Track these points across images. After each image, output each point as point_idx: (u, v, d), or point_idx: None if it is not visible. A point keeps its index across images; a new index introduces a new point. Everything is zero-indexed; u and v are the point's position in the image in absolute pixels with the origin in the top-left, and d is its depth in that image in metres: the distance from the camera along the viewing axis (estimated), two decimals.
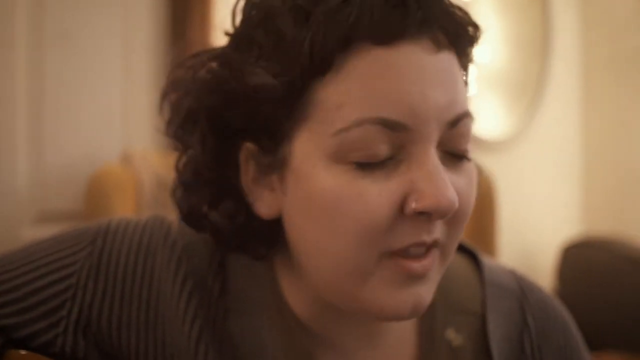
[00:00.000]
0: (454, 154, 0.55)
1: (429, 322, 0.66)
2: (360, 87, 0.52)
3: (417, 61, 0.52)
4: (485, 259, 0.72)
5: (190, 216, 0.62)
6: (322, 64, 0.52)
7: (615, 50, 2.83)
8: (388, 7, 0.52)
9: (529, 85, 2.68)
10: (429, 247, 0.55)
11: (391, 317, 0.56)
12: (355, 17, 0.51)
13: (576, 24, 2.92)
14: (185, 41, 1.67)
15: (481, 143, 2.42)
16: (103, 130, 1.61)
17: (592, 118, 2.92)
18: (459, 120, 0.54)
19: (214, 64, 0.59)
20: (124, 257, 0.63)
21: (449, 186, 0.52)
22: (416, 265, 0.54)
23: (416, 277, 0.54)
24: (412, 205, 0.52)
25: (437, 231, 0.54)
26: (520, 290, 0.70)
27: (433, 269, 0.55)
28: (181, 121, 0.60)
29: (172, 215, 0.66)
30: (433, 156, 0.53)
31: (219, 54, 0.59)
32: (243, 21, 0.58)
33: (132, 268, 0.62)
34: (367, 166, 0.52)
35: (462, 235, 0.58)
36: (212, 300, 0.62)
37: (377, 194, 0.52)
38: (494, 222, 1.78)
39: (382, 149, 0.52)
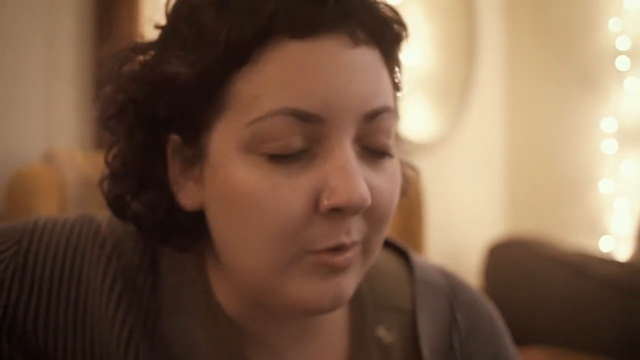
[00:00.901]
0: (374, 150, 0.55)
1: (360, 320, 0.66)
2: (275, 79, 0.52)
3: (333, 55, 0.53)
4: (416, 257, 0.73)
5: (115, 205, 0.61)
6: (239, 55, 0.53)
7: (540, 54, 2.90)
8: (306, 1, 0.52)
9: (456, 87, 2.71)
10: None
11: (312, 309, 0.56)
12: (273, 10, 0.52)
13: (502, 28, 2.98)
14: (112, 38, 1.64)
15: (409, 145, 2.45)
16: (25, 129, 1.56)
17: (516, 121, 2.98)
18: (377, 114, 0.54)
19: (140, 57, 0.59)
20: (51, 257, 0.61)
21: (361, 182, 0.52)
22: (338, 259, 0.54)
23: (337, 270, 0.54)
24: (325, 202, 0.52)
25: (356, 233, 0.55)
26: (450, 287, 0.71)
27: (355, 262, 0.56)
28: (111, 114, 0.60)
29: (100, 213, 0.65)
30: (347, 150, 0.53)
31: (146, 47, 0.59)
32: (171, 15, 0.58)
33: (60, 268, 0.61)
34: (281, 159, 0.53)
35: (386, 233, 0.59)
36: (143, 299, 0.61)
37: (290, 190, 0.52)
38: (422, 223, 1.80)
39: (296, 141, 0.52)
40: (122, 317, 0.59)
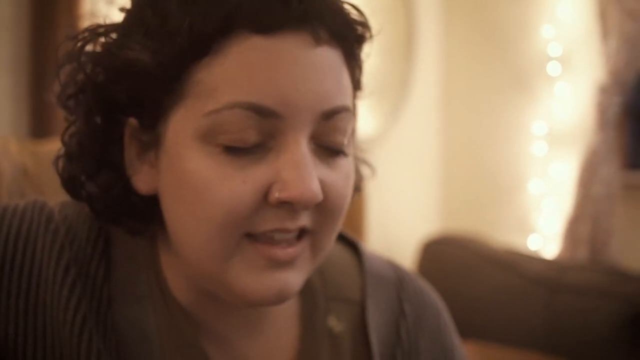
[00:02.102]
0: (329, 148, 0.56)
1: (311, 310, 0.67)
2: (235, 72, 0.53)
3: (294, 53, 0.53)
4: (366, 250, 0.74)
5: (69, 184, 0.61)
6: (200, 46, 0.53)
7: (476, 57, 2.96)
8: None
9: (393, 87, 2.74)
10: (299, 236, 0.56)
11: (256, 301, 0.56)
12: (238, 4, 0.53)
13: (439, 30, 3.03)
14: (50, 23, 1.60)
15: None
16: None
17: (451, 121, 3.03)
18: (335, 114, 0.55)
19: (102, 39, 0.59)
20: (2, 245, 0.60)
21: (314, 178, 0.53)
22: (279, 253, 0.55)
23: (281, 264, 0.55)
24: (276, 194, 0.53)
25: (303, 219, 0.55)
26: (398, 279, 0.73)
27: (302, 257, 0.57)
28: (70, 93, 0.60)
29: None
30: (302, 146, 0.54)
31: (109, 30, 0.59)
32: (135, 0, 0.58)
33: (11, 256, 0.60)
34: (235, 151, 0.53)
35: (337, 230, 0.59)
36: (95, 287, 0.60)
37: (241, 181, 0.53)
38: (363, 220, 1.83)
39: (251, 135, 0.53)
40: (75, 304, 0.59)
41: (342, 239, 0.74)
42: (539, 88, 2.76)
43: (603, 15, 2.47)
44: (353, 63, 0.59)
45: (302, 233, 0.56)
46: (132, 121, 0.58)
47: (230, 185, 0.53)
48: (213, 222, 0.54)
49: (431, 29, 2.97)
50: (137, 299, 0.61)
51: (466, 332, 2.26)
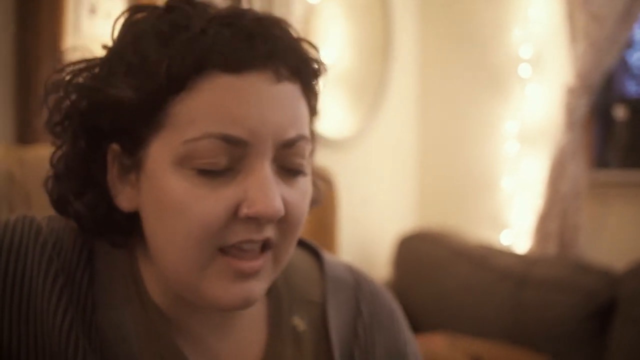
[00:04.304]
0: (289, 170, 0.64)
1: (276, 311, 0.75)
2: (208, 107, 0.60)
3: (258, 89, 0.61)
4: (326, 255, 0.81)
5: (58, 203, 0.68)
6: (177, 83, 0.61)
7: (451, 57, 3.01)
8: (237, 41, 0.61)
9: (371, 86, 2.77)
10: (262, 250, 0.64)
11: (225, 307, 0.64)
12: (209, 46, 0.60)
13: (415, 30, 3.07)
14: (34, 33, 1.63)
15: (326, 141, 2.51)
16: None
17: (427, 120, 3.08)
18: (293, 142, 0.64)
19: (88, 73, 0.66)
20: None
21: (277, 196, 0.61)
22: (245, 266, 0.63)
23: (247, 275, 0.63)
24: (244, 210, 0.61)
25: (267, 231, 0.63)
26: (355, 282, 0.80)
27: (265, 268, 0.65)
28: (58, 120, 0.66)
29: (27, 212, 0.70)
30: (266, 169, 0.62)
31: (94, 65, 0.66)
32: (118, 39, 0.65)
33: (4, 268, 0.66)
34: (208, 173, 0.61)
35: (296, 240, 0.67)
36: (81, 294, 0.67)
37: (214, 200, 0.61)
38: (335, 217, 1.89)
39: (222, 160, 0.61)
40: (63, 310, 0.65)
41: (305, 246, 0.81)
42: (512, 88, 2.82)
43: (571, 19, 2.52)
44: (310, 94, 0.67)
45: (265, 246, 0.64)
46: (115, 146, 0.65)
47: (204, 204, 0.61)
48: (190, 237, 0.62)
49: (408, 30, 3.00)
50: (117, 304, 0.68)
51: (440, 324, 2.33)
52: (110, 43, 0.66)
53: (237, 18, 0.62)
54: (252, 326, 0.74)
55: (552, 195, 2.58)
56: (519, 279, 2.29)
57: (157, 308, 0.69)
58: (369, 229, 2.83)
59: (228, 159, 0.61)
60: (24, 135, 1.58)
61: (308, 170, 0.67)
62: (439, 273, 2.46)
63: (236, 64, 0.60)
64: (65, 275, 0.67)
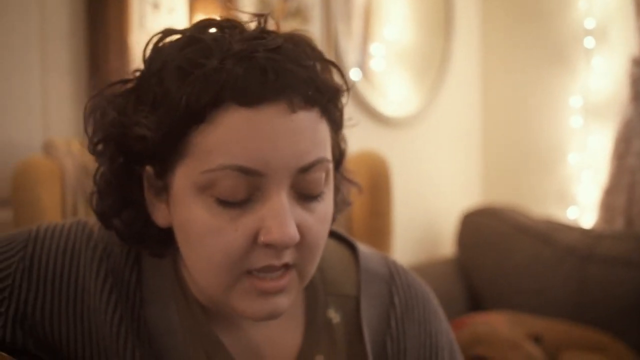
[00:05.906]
0: (307, 195, 0.68)
1: (312, 305, 0.80)
2: (225, 139, 0.63)
3: (272, 121, 0.63)
4: (362, 248, 0.86)
5: (101, 218, 0.74)
6: (196, 116, 0.64)
7: (514, 32, 2.96)
8: (251, 76, 0.63)
9: (433, 63, 2.76)
10: (285, 270, 0.68)
11: (253, 319, 0.70)
12: (225, 81, 0.63)
13: (477, 5, 3.03)
14: (103, 30, 1.71)
15: (388, 120, 2.52)
16: (24, 121, 1.61)
17: (490, 96, 3.05)
18: (310, 167, 0.66)
19: (119, 101, 0.70)
20: (52, 260, 0.74)
21: (291, 224, 0.65)
22: (268, 286, 0.67)
23: (273, 293, 0.68)
24: (262, 238, 0.65)
25: (286, 257, 0.67)
26: (390, 274, 0.84)
27: (290, 285, 0.69)
28: (97, 142, 0.71)
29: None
30: (282, 198, 0.65)
31: (124, 94, 0.70)
32: (147, 64, 0.69)
33: (60, 269, 0.73)
34: (227, 203, 0.65)
35: (317, 260, 0.71)
36: (129, 292, 0.74)
37: (233, 229, 0.65)
38: (389, 198, 1.91)
39: (240, 191, 0.64)
40: (113, 307, 0.73)
41: (342, 240, 0.86)
42: (576, 62, 2.77)
43: None
44: (331, 113, 0.69)
45: (287, 266, 0.68)
46: (148, 168, 0.70)
47: (224, 234, 0.65)
48: (213, 263, 0.66)
49: (469, 5, 2.97)
50: (163, 300, 0.75)
51: (502, 300, 2.34)
52: (142, 65, 0.70)
53: (252, 51, 0.64)
54: (290, 318, 0.79)
55: (618, 169, 2.53)
56: (584, 254, 2.27)
57: (199, 303, 0.75)
58: (434, 206, 2.83)
59: (245, 189, 0.64)
60: None
61: (328, 189, 0.70)
62: (503, 249, 2.45)
63: (250, 98, 0.63)
64: (115, 275, 0.74)
